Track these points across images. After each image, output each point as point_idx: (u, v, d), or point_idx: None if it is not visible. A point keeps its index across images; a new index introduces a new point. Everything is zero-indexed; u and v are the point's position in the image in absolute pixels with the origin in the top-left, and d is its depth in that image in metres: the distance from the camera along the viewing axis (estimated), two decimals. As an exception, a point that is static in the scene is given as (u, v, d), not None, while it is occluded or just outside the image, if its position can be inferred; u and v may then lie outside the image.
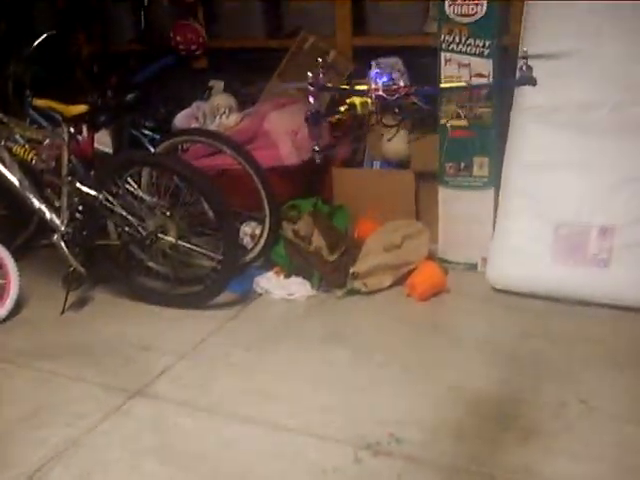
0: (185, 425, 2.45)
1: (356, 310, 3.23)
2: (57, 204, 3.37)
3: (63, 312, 3.33)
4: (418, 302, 3.25)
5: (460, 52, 3.31)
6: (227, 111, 3.81)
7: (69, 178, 3.25)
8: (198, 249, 3.27)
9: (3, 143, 3.38)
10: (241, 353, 2.91)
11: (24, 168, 3.39)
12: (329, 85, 3.28)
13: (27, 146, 3.37)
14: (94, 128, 3.37)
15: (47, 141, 3.33)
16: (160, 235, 3.24)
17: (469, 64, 3.32)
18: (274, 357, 2.86)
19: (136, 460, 2.28)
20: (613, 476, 2.10)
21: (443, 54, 3.34)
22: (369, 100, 2.91)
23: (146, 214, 3.26)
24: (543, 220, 3.24)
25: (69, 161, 3.26)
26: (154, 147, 3.58)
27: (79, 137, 3.32)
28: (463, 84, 3.28)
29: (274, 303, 3.33)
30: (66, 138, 3.24)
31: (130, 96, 3.62)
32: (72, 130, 3.25)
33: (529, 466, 2.14)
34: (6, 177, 3.37)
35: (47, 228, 3.42)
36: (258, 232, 3.52)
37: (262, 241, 3.47)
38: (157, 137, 3.65)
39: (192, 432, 2.41)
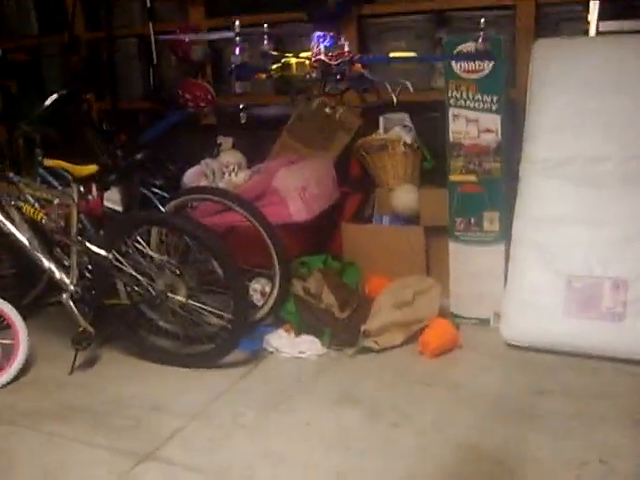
0: (196, 491, 2.41)
1: (368, 368, 3.19)
2: (66, 263, 3.37)
3: (72, 372, 3.30)
4: (431, 359, 3.21)
5: (468, 108, 3.33)
6: (236, 168, 3.82)
7: (78, 238, 3.25)
8: (208, 308, 3.24)
9: (13, 202, 3.39)
10: (252, 414, 2.86)
11: (33, 227, 3.40)
12: (272, 53, 3.03)
13: (37, 205, 3.38)
14: (104, 187, 3.37)
15: (57, 201, 3.34)
16: (170, 294, 3.23)
17: (477, 120, 3.34)
18: (286, 418, 2.82)
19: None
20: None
21: (451, 110, 3.36)
22: (307, 61, 2.69)
23: (155, 273, 3.25)
24: (555, 273, 3.22)
25: (78, 220, 3.27)
26: (163, 205, 3.58)
27: (89, 196, 3.33)
28: (413, 54, 3.17)
29: (285, 362, 3.29)
30: (76, 198, 3.24)
31: (139, 155, 3.64)
32: (82, 189, 3.26)
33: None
34: (16, 236, 3.38)
35: (55, 286, 3.42)
36: (268, 289, 3.50)
37: (272, 298, 3.45)
38: (166, 195, 3.65)
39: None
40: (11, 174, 3.46)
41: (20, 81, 5.19)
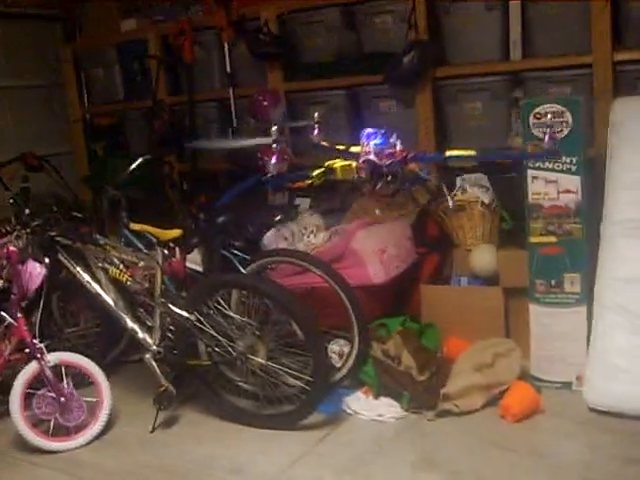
0: None
1: (448, 433, 3.14)
2: (149, 323, 3.46)
3: (153, 431, 3.35)
4: (512, 424, 3.14)
5: (547, 169, 3.31)
6: (315, 230, 3.86)
7: (162, 300, 3.34)
8: (287, 369, 3.26)
9: (100, 264, 3.52)
10: (331, 478, 2.85)
11: (119, 288, 3.51)
12: (323, 144, 2.86)
13: (122, 267, 3.49)
14: (187, 250, 3.45)
15: (142, 263, 3.45)
16: (250, 355, 3.26)
17: (556, 180, 3.31)
18: (366, 484, 2.80)
19: None
20: None
21: (529, 171, 3.35)
22: (353, 164, 2.47)
23: (236, 334, 3.30)
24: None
25: (162, 282, 3.36)
26: (244, 267, 3.64)
27: (172, 258, 3.42)
28: (472, 153, 3.05)
29: (364, 425, 3.27)
30: (160, 261, 3.34)
31: (221, 219, 3.73)
32: (166, 252, 3.36)
33: None
34: (102, 297, 3.49)
35: (137, 344, 3.50)
36: (347, 351, 3.50)
37: (351, 360, 3.44)
38: (246, 257, 3.71)
39: None
40: (98, 236, 3.60)
41: (106, 145, 5.41)
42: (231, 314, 3.35)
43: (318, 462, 2.99)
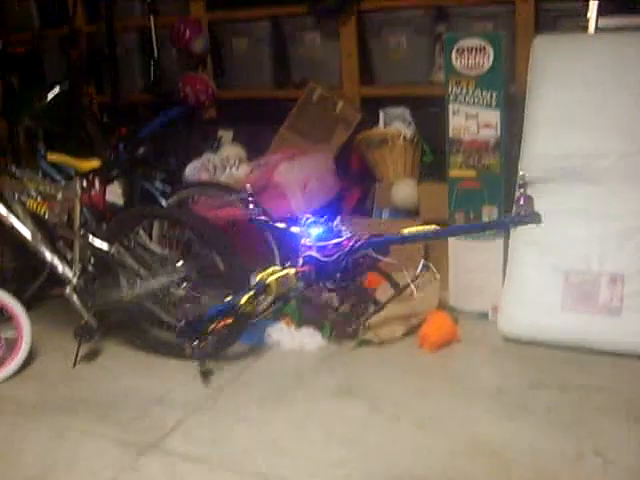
0: (198, 482, 2.43)
1: (368, 362, 3.22)
2: (69, 257, 3.40)
3: (75, 365, 3.32)
4: (430, 353, 3.24)
5: (468, 104, 3.35)
6: (237, 162, 3.84)
7: (81, 231, 3.28)
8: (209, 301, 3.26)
9: (17, 197, 3.42)
10: (254, 407, 2.89)
11: (36, 221, 3.42)
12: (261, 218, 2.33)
13: (40, 200, 3.41)
14: (106, 181, 3.39)
15: (60, 195, 3.37)
16: (171, 289, 3.25)
17: (477, 115, 3.36)
18: (287, 411, 2.85)
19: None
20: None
21: (451, 106, 3.38)
22: (292, 271, 1.71)
23: (157, 267, 3.28)
24: (553, 268, 3.24)
25: (81, 214, 3.29)
26: (165, 199, 3.60)
27: (91, 190, 3.35)
28: (432, 228, 2.56)
29: (286, 355, 3.32)
30: (79, 192, 3.27)
31: (141, 150, 3.66)
32: (84, 184, 3.29)
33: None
34: (19, 230, 3.40)
35: (57, 279, 3.44)
36: (269, 282, 3.52)
37: (273, 292, 3.46)
38: (168, 189, 3.67)
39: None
40: (14, 168, 3.49)
41: (21, 75, 5.20)
42: (152, 247, 3.33)
43: (241, 391, 3.03)
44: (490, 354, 3.24)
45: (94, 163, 3.25)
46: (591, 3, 3.49)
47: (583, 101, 3.27)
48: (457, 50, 3.32)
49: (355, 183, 4.06)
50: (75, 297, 3.31)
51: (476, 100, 3.34)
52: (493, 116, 3.34)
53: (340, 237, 1.85)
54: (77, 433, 2.78)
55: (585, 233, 3.22)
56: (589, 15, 3.50)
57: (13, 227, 3.41)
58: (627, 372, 2.96)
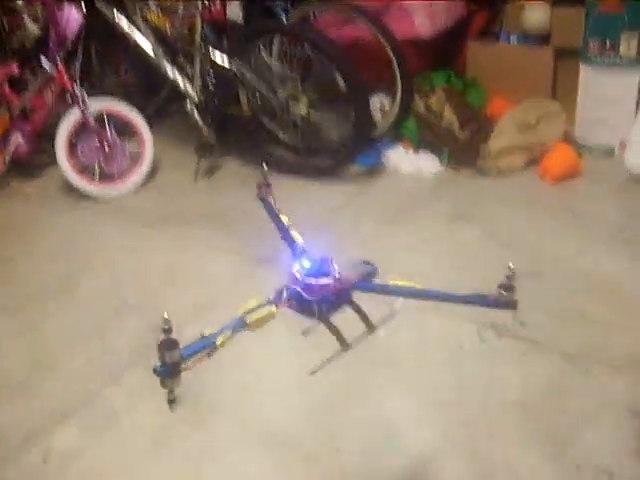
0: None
1: (485, 190, 3.16)
2: (190, 73, 3.41)
3: (196, 180, 3.41)
4: (550, 185, 3.15)
5: None
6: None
7: (202, 45, 3.26)
8: (329, 122, 3.23)
9: (139, 12, 3.41)
10: (370, 225, 2.91)
11: (158, 35, 3.42)
12: None
13: (161, 14, 3.39)
14: (226, -3, 3.33)
15: (181, 9, 3.34)
16: (291, 106, 3.23)
17: None
18: (402, 231, 2.85)
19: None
20: None
21: None
22: (274, 308, 1.56)
23: (277, 84, 3.25)
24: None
25: (202, 28, 3.26)
26: (286, 17, 3.52)
27: (212, 6, 3.31)
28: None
29: (402, 178, 3.31)
30: (200, 6, 3.23)
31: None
32: (206, 1, 3.24)
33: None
34: (141, 46, 3.41)
35: (178, 96, 3.47)
36: (388, 105, 3.45)
37: (392, 114, 3.38)
38: (289, 6, 3.57)
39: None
40: (137, -17, 3.46)
41: None
42: (273, 64, 3.29)
43: (357, 211, 3.05)
44: (614, 191, 3.11)
45: (216, -22, 3.19)
46: None
47: None
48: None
49: (483, 4, 3.84)
50: (196, 113, 3.34)
51: None
52: None
53: (328, 277, 1.63)
54: (195, 241, 2.88)
55: None
56: None
57: (136, 43, 3.42)
58: None
